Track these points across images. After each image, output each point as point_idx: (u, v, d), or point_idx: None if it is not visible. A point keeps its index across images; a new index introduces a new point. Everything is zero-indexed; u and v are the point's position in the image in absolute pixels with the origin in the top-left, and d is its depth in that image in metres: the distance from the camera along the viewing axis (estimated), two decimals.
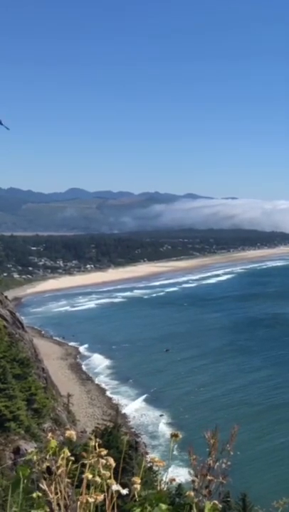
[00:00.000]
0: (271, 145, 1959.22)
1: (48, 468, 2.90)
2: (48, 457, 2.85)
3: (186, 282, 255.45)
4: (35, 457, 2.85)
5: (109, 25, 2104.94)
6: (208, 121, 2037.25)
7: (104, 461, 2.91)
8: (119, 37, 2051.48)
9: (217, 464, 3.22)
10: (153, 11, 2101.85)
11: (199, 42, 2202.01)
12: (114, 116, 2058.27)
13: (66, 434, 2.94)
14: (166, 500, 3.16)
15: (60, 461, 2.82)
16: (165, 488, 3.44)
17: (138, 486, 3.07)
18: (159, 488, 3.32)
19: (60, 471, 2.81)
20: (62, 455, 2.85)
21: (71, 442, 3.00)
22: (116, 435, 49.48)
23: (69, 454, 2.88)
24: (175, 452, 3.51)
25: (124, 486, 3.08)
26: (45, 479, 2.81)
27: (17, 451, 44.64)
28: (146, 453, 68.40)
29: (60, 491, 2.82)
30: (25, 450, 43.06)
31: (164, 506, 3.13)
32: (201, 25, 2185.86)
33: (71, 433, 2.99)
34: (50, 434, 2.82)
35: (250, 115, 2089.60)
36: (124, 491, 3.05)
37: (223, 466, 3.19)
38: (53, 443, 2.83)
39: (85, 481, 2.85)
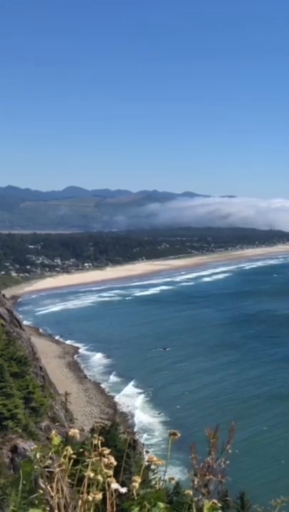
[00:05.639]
0: (270, 143, 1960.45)
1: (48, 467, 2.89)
2: (50, 455, 2.84)
3: (184, 281, 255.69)
4: (37, 455, 2.84)
5: (109, 24, 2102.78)
6: (207, 119, 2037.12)
7: (106, 460, 2.91)
8: (118, 36, 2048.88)
9: (216, 463, 3.21)
10: (152, 10, 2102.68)
11: (199, 40, 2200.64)
12: (113, 115, 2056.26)
13: (70, 433, 2.92)
14: (164, 498, 3.15)
15: (62, 459, 2.81)
16: (163, 487, 3.43)
17: (137, 485, 3.07)
18: (157, 486, 3.31)
19: (60, 469, 2.80)
20: (64, 453, 2.84)
21: (70, 441, 2.99)
22: (114, 434, 49.51)
23: (72, 452, 2.87)
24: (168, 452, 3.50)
25: (122, 485, 3.08)
26: (46, 477, 2.79)
27: (14, 449, 44.60)
28: (147, 451, 68.38)
29: (60, 490, 2.81)
30: (23, 449, 43.11)
31: (162, 505, 3.12)
32: (199, 23, 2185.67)
33: (75, 431, 2.98)
34: (54, 431, 2.81)
35: (250, 114, 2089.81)
36: (123, 490, 3.04)
37: (222, 465, 3.19)
38: (56, 440, 2.82)
39: (86, 480, 2.84)
